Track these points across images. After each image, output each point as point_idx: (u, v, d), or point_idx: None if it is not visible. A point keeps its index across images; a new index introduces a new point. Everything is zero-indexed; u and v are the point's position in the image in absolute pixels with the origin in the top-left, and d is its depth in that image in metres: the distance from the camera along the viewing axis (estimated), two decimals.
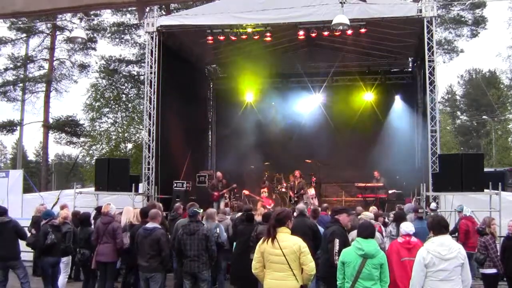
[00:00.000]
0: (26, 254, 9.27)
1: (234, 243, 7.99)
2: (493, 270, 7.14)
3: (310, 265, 4.68)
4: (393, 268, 5.95)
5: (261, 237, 5.07)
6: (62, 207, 9.21)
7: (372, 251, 4.76)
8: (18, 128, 26.84)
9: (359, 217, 7.61)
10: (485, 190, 10.56)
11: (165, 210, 10.42)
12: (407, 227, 6.22)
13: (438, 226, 4.73)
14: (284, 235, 4.77)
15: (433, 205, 10.32)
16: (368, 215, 7.33)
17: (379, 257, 4.78)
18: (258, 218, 8.09)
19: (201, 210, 7.52)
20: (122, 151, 26.76)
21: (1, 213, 7.65)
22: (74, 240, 8.07)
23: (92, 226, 8.33)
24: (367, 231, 4.94)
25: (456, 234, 9.09)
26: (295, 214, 7.18)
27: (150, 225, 6.73)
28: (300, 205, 8.18)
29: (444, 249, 4.55)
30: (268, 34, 13.68)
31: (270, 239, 4.75)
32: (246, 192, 15.27)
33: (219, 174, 14.76)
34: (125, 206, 9.05)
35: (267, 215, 7.19)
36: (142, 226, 6.93)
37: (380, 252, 4.87)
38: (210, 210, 8.53)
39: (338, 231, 6.08)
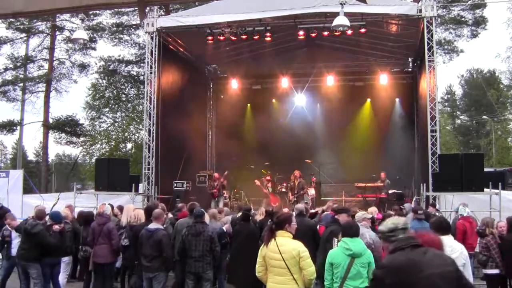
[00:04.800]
0: None
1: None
2: (496, 271, 7.13)
3: (310, 270, 4.65)
4: None
5: None
6: (68, 207, 9.20)
7: (360, 250, 4.79)
8: (18, 128, 26.85)
9: (356, 216, 7.51)
10: (485, 190, 10.57)
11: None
12: None
13: (440, 227, 4.88)
14: (283, 239, 4.71)
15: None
16: (363, 214, 7.20)
17: (366, 255, 4.81)
18: (259, 218, 8.05)
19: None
20: (122, 151, 26.77)
21: None
22: (77, 239, 8.05)
23: None
24: (352, 230, 4.96)
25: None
26: (294, 214, 7.14)
27: (152, 226, 6.67)
28: (299, 205, 8.12)
29: (447, 249, 4.60)
30: (268, 34, 13.69)
31: (269, 243, 4.72)
32: (257, 182, 15.17)
33: (216, 174, 15.10)
34: (126, 205, 9.02)
35: (270, 215, 7.15)
36: (144, 227, 6.87)
37: (367, 250, 4.90)
38: (212, 211, 8.52)
39: (337, 231, 6.07)
